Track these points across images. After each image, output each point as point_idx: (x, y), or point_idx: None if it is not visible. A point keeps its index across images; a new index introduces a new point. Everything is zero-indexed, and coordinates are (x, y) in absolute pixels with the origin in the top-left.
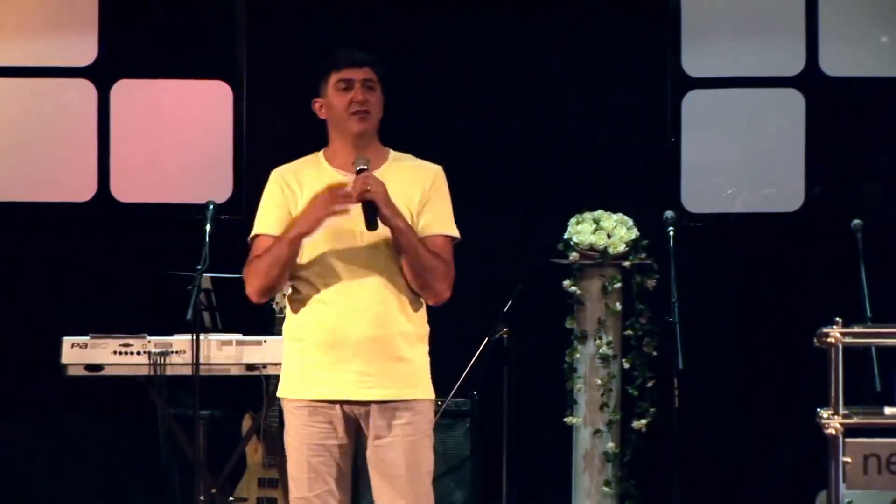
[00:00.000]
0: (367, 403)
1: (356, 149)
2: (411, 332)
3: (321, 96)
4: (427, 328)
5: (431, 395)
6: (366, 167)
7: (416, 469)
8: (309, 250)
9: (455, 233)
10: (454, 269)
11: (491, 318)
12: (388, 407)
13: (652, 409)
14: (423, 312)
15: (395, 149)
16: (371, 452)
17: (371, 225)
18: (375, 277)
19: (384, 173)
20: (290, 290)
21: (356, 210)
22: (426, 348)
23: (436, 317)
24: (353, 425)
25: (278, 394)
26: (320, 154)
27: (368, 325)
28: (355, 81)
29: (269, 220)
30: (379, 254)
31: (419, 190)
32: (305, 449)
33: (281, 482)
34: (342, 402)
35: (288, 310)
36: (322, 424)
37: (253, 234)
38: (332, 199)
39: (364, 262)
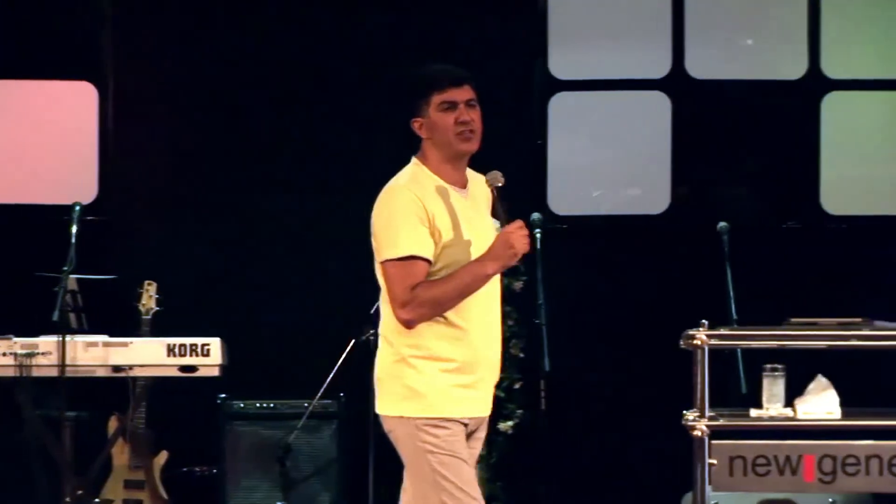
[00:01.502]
0: (484, 418)
1: (460, 166)
2: None
3: (419, 115)
4: None
5: None
6: (501, 183)
7: None
8: (445, 272)
9: None
10: None
11: (357, 320)
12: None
13: (519, 411)
14: None
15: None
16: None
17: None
18: (496, 301)
19: (473, 191)
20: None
21: (487, 234)
22: None
23: (302, 319)
24: None
25: (430, 413)
26: (425, 169)
27: (494, 346)
28: (459, 102)
29: (424, 243)
30: (495, 279)
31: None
32: (467, 465)
33: (147, 484)
34: (473, 419)
35: (422, 328)
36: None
37: (406, 254)
38: (527, 237)
39: (490, 285)
